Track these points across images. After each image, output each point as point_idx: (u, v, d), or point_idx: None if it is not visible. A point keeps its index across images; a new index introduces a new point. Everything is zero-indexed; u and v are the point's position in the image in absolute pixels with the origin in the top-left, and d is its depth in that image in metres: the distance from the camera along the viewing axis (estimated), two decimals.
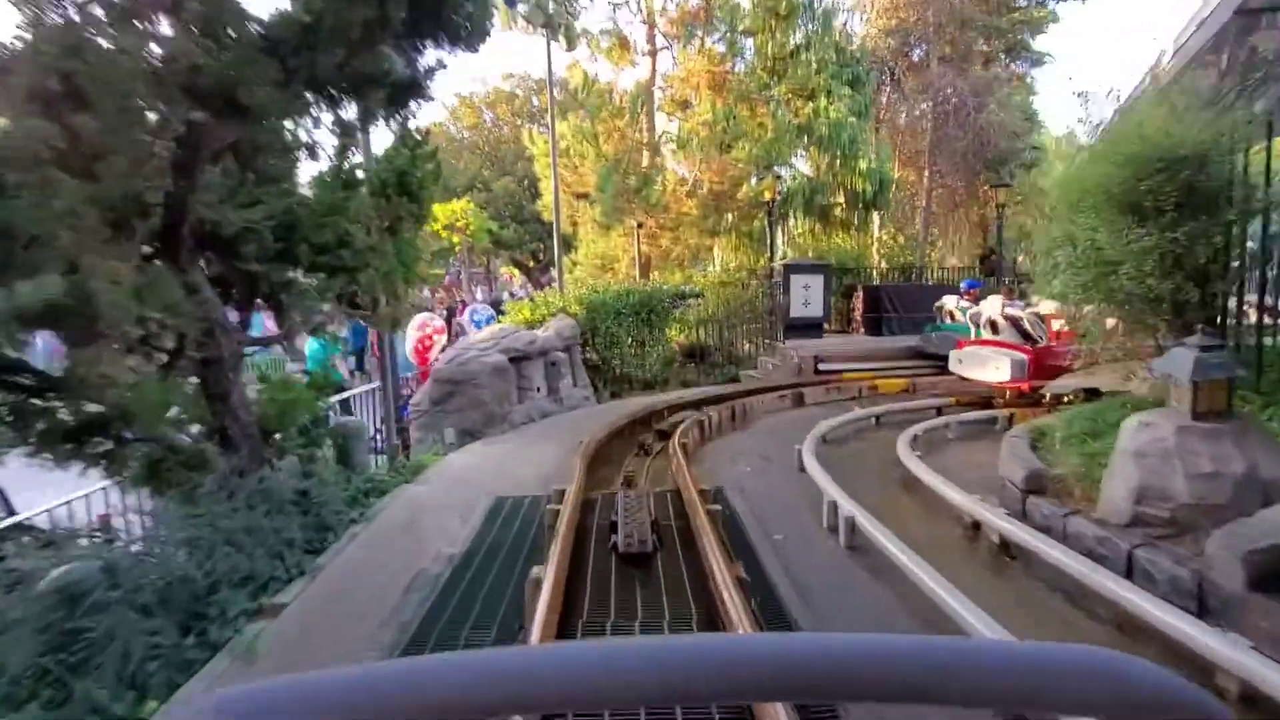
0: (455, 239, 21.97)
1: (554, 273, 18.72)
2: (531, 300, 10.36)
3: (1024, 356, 7.52)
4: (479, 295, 25.67)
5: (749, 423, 8.13)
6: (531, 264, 29.94)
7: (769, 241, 12.51)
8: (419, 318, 9.89)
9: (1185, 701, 0.36)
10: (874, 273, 14.21)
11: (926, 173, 15.42)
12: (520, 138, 25.08)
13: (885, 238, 14.67)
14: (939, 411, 8.37)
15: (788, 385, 10.20)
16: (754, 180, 12.80)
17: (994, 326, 8.11)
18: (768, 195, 12.25)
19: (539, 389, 8.73)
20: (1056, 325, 8.28)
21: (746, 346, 11.77)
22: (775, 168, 12.61)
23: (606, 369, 10.41)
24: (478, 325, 10.58)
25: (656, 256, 14.25)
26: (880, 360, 11.33)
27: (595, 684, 0.35)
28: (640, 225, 12.79)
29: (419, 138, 5.98)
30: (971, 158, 14.32)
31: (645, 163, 13.32)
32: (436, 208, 23.85)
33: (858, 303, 13.84)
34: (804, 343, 12.00)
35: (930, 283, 14.42)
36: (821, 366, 11.09)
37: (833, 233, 14.64)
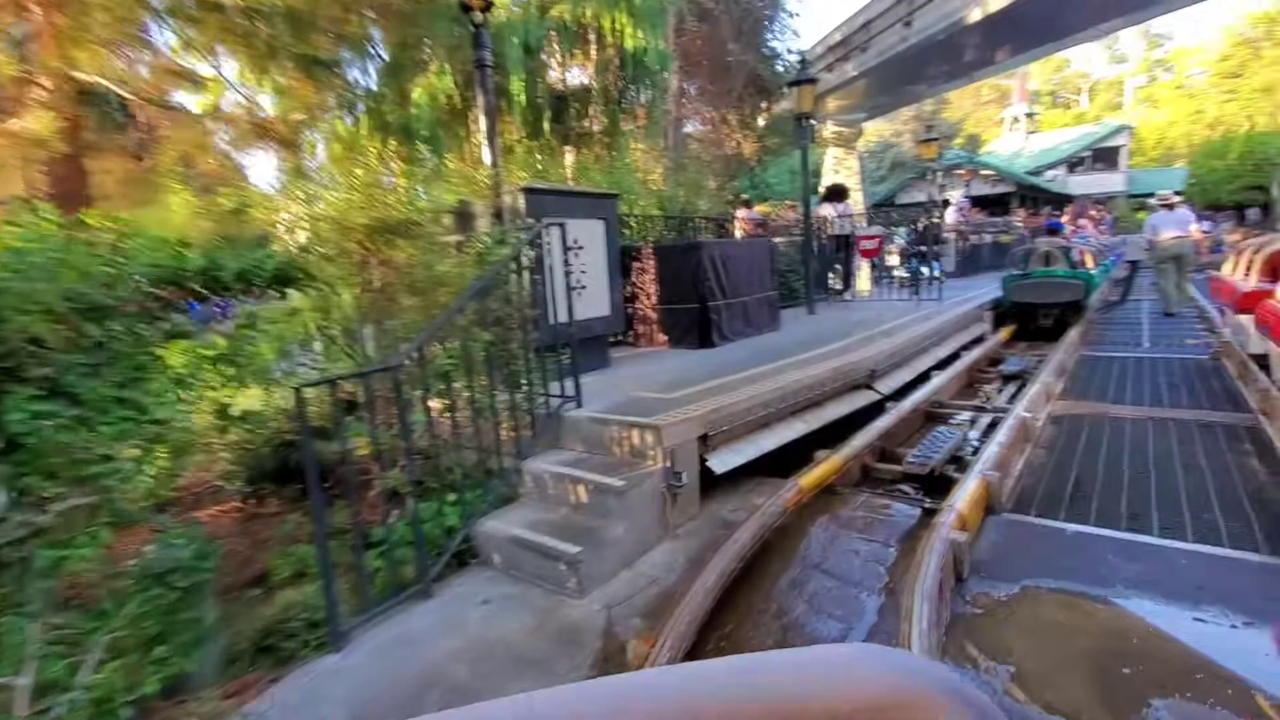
0: None
1: None
2: None
3: None
4: None
5: None
6: None
7: (489, 130, 4.52)
8: None
9: (947, 689, 0.38)
10: (644, 221, 7.46)
11: (673, 66, 9.24)
12: None
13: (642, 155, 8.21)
14: None
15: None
16: None
17: None
18: None
19: None
20: None
21: (465, 427, 3.60)
22: None
23: None
24: None
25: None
26: (799, 402, 4.67)
27: None
28: None
29: None
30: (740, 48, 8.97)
31: None
32: None
33: (646, 283, 6.93)
34: (610, 384, 4.57)
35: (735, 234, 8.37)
36: (716, 462, 3.85)
37: (554, 146, 7.38)
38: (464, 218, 5.01)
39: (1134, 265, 11.33)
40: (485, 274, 3.51)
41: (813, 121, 8.98)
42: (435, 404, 3.82)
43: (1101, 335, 9.15)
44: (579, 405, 4.10)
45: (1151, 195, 27.40)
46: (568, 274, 4.18)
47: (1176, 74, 53.49)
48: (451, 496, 3.58)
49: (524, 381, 3.82)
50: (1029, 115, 40.91)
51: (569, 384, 4.12)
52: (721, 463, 3.86)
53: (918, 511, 3.69)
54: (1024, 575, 2.89)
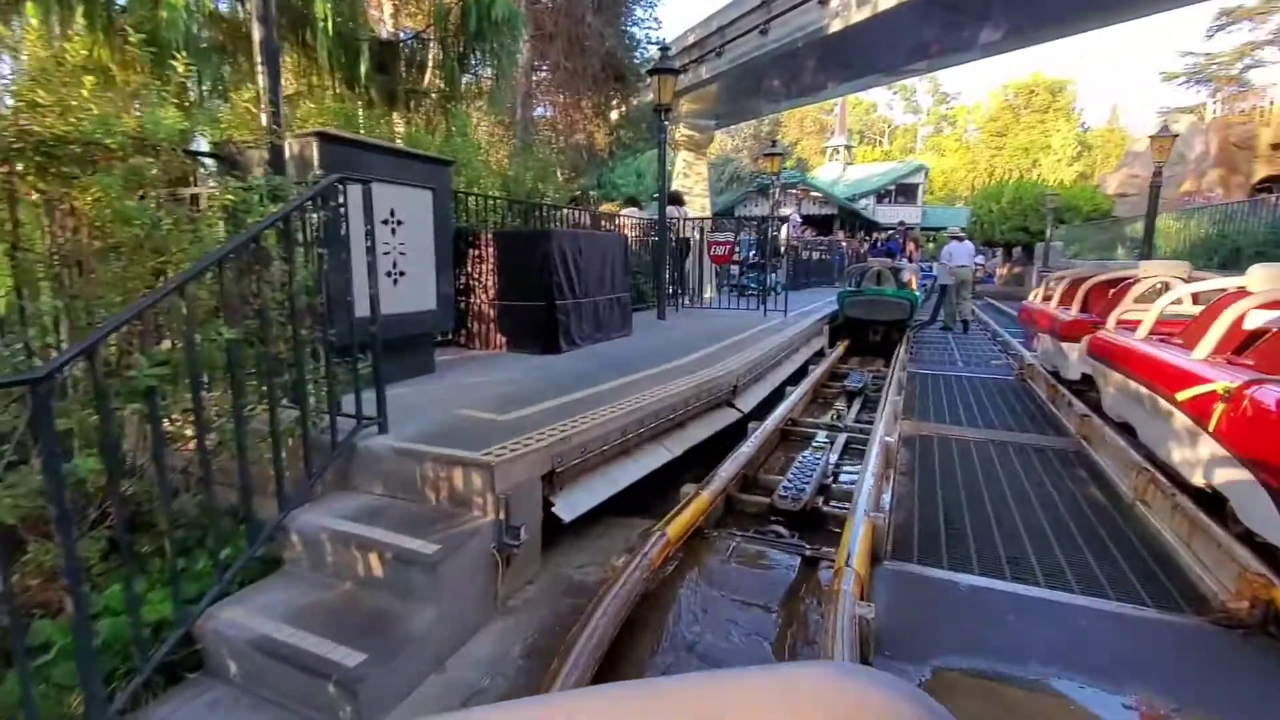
0: None
1: None
2: None
3: None
4: None
5: None
6: None
7: (265, 40, 3.30)
8: None
9: (916, 712, 0.34)
10: (484, 202, 6.42)
11: (524, 33, 8.14)
12: None
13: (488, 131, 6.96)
14: None
15: None
16: None
17: None
18: None
19: None
20: None
21: (194, 465, 2.44)
22: None
23: None
24: None
25: None
26: (660, 424, 4.01)
27: None
28: None
29: None
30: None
31: None
32: None
33: (483, 274, 5.87)
34: (431, 398, 3.56)
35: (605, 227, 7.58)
36: (564, 507, 3.02)
37: (377, 103, 6.02)
38: (229, 166, 3.66)
39: (944, 289, 12.41)
40: (234, 240, 2.34)
41: (666, 122, 8.47)
42: (145, 431, 2.56)
43: (919, 353, 9.73)
44: (383, 430, 3.04)
45: (940, 229, 31.41)
46: (370, 250, 3.09)
47: (957, 128, 62.70)
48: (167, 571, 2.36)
49: (297, 398, 2.68)
50: (847, 148, 45.20)
51: (371, 400, 3.04)
52: (571, 507, 3.04)
53: (797, 561, 3.16)
54: (930, 652, 2.42)
